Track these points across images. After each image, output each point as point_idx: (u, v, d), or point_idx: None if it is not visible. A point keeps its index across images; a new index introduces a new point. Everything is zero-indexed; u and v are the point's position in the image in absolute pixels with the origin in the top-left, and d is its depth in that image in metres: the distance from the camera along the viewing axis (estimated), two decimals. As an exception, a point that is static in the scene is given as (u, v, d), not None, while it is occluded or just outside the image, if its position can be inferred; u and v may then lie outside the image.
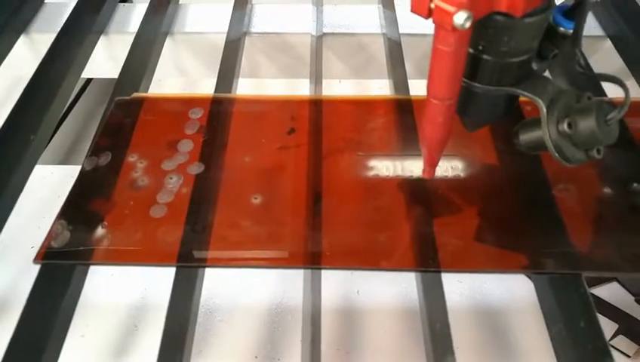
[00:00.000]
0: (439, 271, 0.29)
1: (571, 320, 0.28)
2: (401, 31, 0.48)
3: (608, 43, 0.49)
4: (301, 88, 0.49)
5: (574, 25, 0.25)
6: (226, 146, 0.35)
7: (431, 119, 0.26)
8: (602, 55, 0.51)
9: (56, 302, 0.29)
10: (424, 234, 0.31)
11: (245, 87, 0.49)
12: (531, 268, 0.30)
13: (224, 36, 0.48)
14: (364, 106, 0.39)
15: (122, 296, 0.41)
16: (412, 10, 0.22)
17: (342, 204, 0.32)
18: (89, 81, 0.81)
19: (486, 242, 0.30)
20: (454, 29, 0.20)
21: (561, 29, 0.25)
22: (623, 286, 0.41)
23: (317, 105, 0.38)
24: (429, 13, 0.21)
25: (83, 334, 0.38)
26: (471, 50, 0.25)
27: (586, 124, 0.24)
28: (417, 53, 0.50)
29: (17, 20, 0.50)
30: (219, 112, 0.38)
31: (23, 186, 0.36)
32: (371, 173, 0.34)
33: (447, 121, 0.26)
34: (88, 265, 0.30)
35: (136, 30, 0.48)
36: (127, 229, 0.31)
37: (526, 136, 0.27)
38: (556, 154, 0.25)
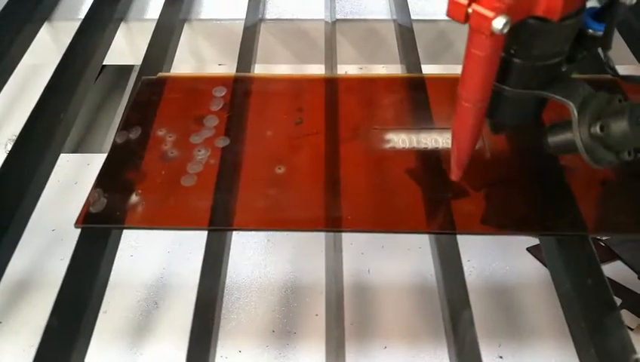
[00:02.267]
0: (454, 233, 0.31)
1: (578, 278, 0.30)
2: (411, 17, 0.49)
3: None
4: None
5: (605, 27, 0.25)
6: (249, 122, 0.37)
7: (462, 122, 0.26)
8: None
9: (95, 263, 0.31)
10: (440, 199, 0.32)
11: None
12: (541, 231, 0.32)
13: (238, 23, 0.50)
14: (379, 83, 0.41)
15: (142, 275, 0.43)
16: (448, 15, 0.22)
17: (361, 172, 0.34)
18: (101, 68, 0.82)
19: (498, 206, 0.32)
20: (492, 34, 0.20)
21: (590, 31, 0.25)
22: (626, 263, 0.43)
23: (334, 83, 0.40)
24: (466, 19, 0.21)
25: (105, 310, 0.40)
26: (502, 54, 0.25)
27: (619, 126, 0.24)
28: (428, 38, 0.51)
29: (41, 9, 0.51)
30: (241, 90, 0.40)
31: (50, 172, 0.38)
32: (388, 145, 0.36)
33: (477, 124, 0.26)
34: (124, 229, 0.32)
35: (153, 17, 0.50)
36: (160, 196, 0.33)
37: (556, 139, 0.27)
38: (587, 157, 0.25)
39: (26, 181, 0.35)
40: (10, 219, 0.33)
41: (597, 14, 0.25)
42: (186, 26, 0.53)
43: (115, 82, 0.81)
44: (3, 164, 0.36)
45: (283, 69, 0.60)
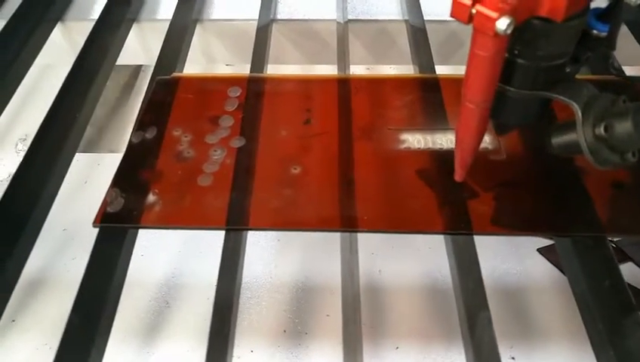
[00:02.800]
0: (471, 234, 0.31)
1: (595, 279, 0.30)
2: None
3: (624, 29, 0.50)
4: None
5: (609, 28, 0.25)
6: (265, 122, 0.37)
7: (465, 122, 0.26)
8: (619, 41, 0.51)
9: (113, 261, 0.31)
10: (456, 200, 0.32)
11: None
12: (557, 232, 0.32)
13: (249, 23, 0.50)
14: (393, 84, 0.41)
15: (154, 275, 0.43)
16: (452, 15, 0.22)
17: (376, 173, 0.34)
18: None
19: (514, 207, 0.32)
20: (496, 34, 0.20)
21: (595, 31, 0.25)
22: (638, 265, 0.43)
23: (347, 84, 0.40)
24: (469, 19, 0.21)
25: (118, 309, 0.40)
26: (506, 54, 0.24)
27: (623, 128, 0.24)
28: (439, 39, 0.51)
29: (54, 9, 0.52)
30: (256, 91, 0.40)
31: (65, 172, 0.38)
32: (403, 146, 0.36)
33: (481, 125, 0.26)
34: (142, 228, 0.32)
35: (165, 18, 0.50)
36: (177, 196, 0.33)
37: (559, 139, 0.27)
38: (591, 158, 0.25)
39: (42, 181, 0.35)
40: (26, 219, 0.33)
41: (601, 15, 0.25)
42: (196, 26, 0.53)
43: (123, 82, 0.82)
44: (20, 165, 0.36)
45: (294, 70, 0.60)
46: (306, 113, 0.38)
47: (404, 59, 0.51)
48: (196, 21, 0.52)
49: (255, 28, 0.48)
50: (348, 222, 0.32)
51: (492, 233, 0.32)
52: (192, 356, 0.39)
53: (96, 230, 0.32)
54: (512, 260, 0.44)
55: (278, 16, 0.53)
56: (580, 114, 0.25)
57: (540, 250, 0.45)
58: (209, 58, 0.56)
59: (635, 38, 0.47)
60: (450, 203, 0.32)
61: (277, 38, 0.53)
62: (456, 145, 0.29)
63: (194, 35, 0.51)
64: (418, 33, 0.47)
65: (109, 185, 0.34)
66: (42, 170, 0.36)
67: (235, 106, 0.38)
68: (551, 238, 0.41)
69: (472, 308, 0.29)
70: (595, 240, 0.31)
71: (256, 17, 0.50)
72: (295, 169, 0.34)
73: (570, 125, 0.26)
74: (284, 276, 0.43)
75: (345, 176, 0.34)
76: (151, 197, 0.33)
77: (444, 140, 0.36)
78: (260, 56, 0.44)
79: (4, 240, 0.32)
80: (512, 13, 0.20)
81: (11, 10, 0.48)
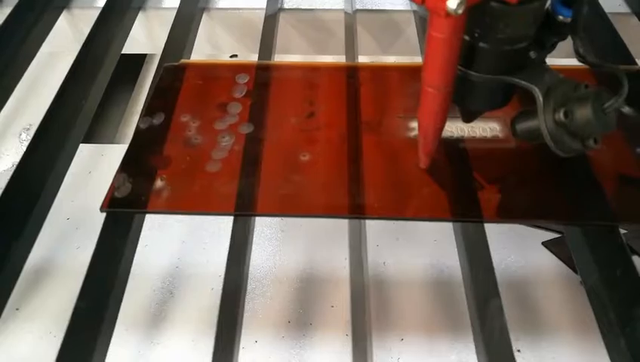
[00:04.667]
0: (481, 221, 0.31)
1: (607, 269, 0.29)
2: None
3: (634, 20, 0.50)
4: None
5: (573, 13, 0.24)
6: (273, 109, 0.37)
7: (426, 108, 0.26)
8: (631, 32, 0.50)
9: (120, 247, 0.31)
10: (465, 187, 0.32)
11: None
12: (568, 220, 0.31)
13: (256, 12, 0.50)
14: (402, 72, 0.40)
15: (157, 264, 0.43)
16: None
17: (386, 160, 0.34)
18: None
19: (524, 195, 0.32)
20: (448, 14, 0.20)
21: (560, 17, 0.25)
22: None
23: (356, 71, 0.40)
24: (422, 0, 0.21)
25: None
26: (467, 38, 0.25)
27: (583, 113, 0.24)
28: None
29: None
30: (264, 78, 0.40)
31: (70, 162, 0.38)
32: (413, 133, 0.36)
33: (442, 110, 0.26)
34: (149, 213, 0.32)
35: (170, 6, 0.50)
36: (185, 182, 0.32)
37: (522, 125, 0.27)
38: (552, 144, 0.25)
39: (47, 170, 0.35)
40: (31, 209, 0.33)
41: (566, 1, 0.25)
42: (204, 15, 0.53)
43: (126, 71, 0.81)
44: (24, 154, 0.36)
45: (301, 60, 0.59)
46: (314, 100, 0.38)
47: (412, 49, 0.51)
48: (203, 9, 0.52)
49: (260, 17, 0.48)
50: (356, 209, 0.31)
51: (502, 221, 0.31)
52: (197, 346, 0.38)
53: (101, 220, 0.32)
54: (516, 253, 0.44)
55: (286, 6, 0.53)
56: (541, 99, 0.25)
57: (545, 243, 0.44)
58: (214, 47, 0.56)
59: None
60: (460, 190, 0.32)
61: (284, 28, 0.53)
62: (418, 131, 0.29)
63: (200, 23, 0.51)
64: (426, 24, 0.47)
65: (117, 170, 0.33)
66: (47, 160, 0.36)
67: (244, 93, 0.38)
68: (559, 229, 0.40)
69: (482, 297, 0.29)
70: (606, 230, 0.31)
71: (262, 6, 0.50)
72: (304, 156, 0.34)
73: (533, 111, 0.26)
74: (289, 266, 0.43)
75: (354, 163, 0.34)
76: (159, 183, 0.32)
77: (454, 128, 0.36)
78: (267, 44, 0.44)
79: (9, 229, 0.32)
80: None
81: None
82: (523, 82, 0.25)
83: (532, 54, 0.26)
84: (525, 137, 0.27)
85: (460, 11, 0.20)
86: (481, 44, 0.25)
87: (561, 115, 0.25)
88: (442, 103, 0.25)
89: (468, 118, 0.31)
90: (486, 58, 0.25)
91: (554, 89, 0.25)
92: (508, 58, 0.25)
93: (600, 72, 0.37)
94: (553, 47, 0.26)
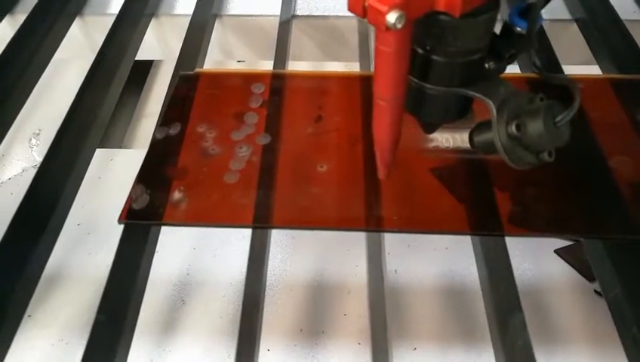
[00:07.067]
0: (502, 235, 0.31)
1: (630, 282, 0.29)
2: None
3: (574, 27, 0.48)
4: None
5: (527, 24, 0.24)
6: (289, 119, 0.37)
7: (378, 120, 0.25)
8: (568, 39, 0.49)
9: (137, 258, 0.30)
10: (486, 200, 0.32)
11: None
12: (589, 234, 0.31)
13: (269, 19, 0.50)
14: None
15: (169, 272, 0.43)
16: (348, 9, 0.21)
17: (403, 172, 0.34)
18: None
19: (545, 208, 0.32)
20: (388, 29, 0.20)
21: (518, 29, 0.24)
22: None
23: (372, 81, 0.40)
24: (363, 13, 0.20)
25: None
26: (420, 51, 0.24)
27: (534, 127, 0.24)
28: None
29: (73, 3, 0.51)
30: (280, 88, 0.39)
31: (86, 168, 0.38)
32: (432, 145, 0.36)
33: (395, 122, 0.25)
34: (167, 226, 0.32)
35: (183, 13, 0.50)
36: (203, 193, 0.32)
37: (479, 138, 0.27)
38: (506, 157, 0.25)
39: (64, 177, 0.35)
40: (49, 215, 0.33)
41: (522, 12, 0.24)
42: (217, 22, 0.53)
43: (134, 76, 0.81)
44: (43, 161, 0.35)
45: (313, 67, 0.59)
46: (330, 111, 0.38)
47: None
48: (215, 16, 0.52)
49: (271, 24, 0.48)
50: (374, 222, 0.31)
51: (523, 234, 0.31)
52: (210, 354, 0.38)
53: (111, 226, 0.31)
54: (529, 261, 0.43)
55: (298, 12, 0.52)
56: (494, 112, 0.25)
57: (558, 251, 0.44)
58: (227, 53, 0.56)
59: None
60: (480, 204, 0.32)
61: (297, 35, 0.53)
62: (374, 143, 0.28)
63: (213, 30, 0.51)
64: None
65: (134, 181, 0.33)
66: (65, 165, 0.36)
67: (260, 103, 0.38)
68: (578, 240, 0.40)
69: (503, 312, 0.29)
70: (628, 243, 0.30)
71: (274, 13, 0.50)
72: (321, 167, 0.34)
73: (489, 124, 0.26)
74: (300, 273, 0.43)
75: (371, 175, 0.33)
76: (176, 194, 0.32)
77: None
78: (282, 52, 0.44)
79: (28, 236, 0.32)
80: (402, 7, 0.20)
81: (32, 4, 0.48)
82: (477, 95, 0.25)
83: (491, 65, 0.25)
84: (482, 149, 0.27)
85: (399, 26, 0.20)
86: (434, 57, 0.24)
87: (513, 128, 0.24)
88: (394, 115, 0.25)
89: (428, 129, 0.30)
90: (439, 71, 0.25)
91: (508, 101, 0.25)
92: (461, 70, 0.25)
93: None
94: (512, 58, 0.25)
